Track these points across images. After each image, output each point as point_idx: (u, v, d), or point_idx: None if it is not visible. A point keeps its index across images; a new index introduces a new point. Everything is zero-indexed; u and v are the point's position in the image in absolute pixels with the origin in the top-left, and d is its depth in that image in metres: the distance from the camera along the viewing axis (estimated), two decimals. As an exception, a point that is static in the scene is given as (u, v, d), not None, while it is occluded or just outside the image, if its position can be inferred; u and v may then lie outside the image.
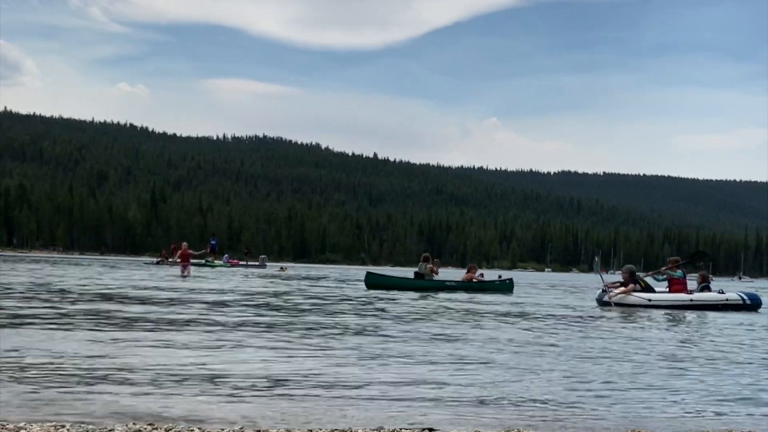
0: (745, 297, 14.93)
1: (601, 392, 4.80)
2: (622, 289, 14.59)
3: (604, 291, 14.74)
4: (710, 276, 16.94)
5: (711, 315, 13.02)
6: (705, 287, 15.24)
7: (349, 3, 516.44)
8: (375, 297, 14.64)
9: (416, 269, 19.62)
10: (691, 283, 15.42)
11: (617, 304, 14.08)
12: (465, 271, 20.80)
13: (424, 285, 18.50)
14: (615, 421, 4.04)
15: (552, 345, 7.20)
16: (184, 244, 27.56)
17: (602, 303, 14.51)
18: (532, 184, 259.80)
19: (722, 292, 15.27)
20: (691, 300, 14.49)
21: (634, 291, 14.48)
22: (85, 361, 5.22)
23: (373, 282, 18.72)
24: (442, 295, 16.22)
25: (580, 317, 11.38)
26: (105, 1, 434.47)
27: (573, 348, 7.02)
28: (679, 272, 15.11)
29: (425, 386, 4.73)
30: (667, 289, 15.07)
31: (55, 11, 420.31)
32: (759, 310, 14.60)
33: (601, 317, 11.64)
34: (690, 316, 12.78)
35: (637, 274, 14.94)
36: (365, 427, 3.65)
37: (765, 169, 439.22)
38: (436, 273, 19.34)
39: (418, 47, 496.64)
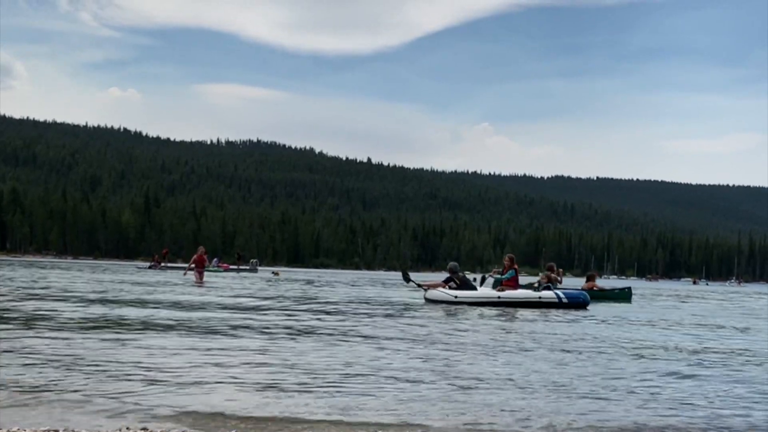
0: (562, 296, 14.96)
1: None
2: (431, 283, 15.84)
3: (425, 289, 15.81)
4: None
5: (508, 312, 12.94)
6: (546, 287, 15.66)
7: (341, 8, 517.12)
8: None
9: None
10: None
11: (428, 300, 15.10)
12: (584, 280, 21.11)
13: None
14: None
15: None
16: (201, 248, 25.19)
17: (425, 299, 15.49)
18: (526, 189, 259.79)
19: (537, 289, 15.63)
20: (499, 297, 14.80)
21: (449, 288, 15.17)
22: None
23: None
24: None
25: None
26: (95, 5, 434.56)
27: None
28: (510, 272, 15.81)
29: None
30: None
31: (44, 15, 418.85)
32: (587, 308, 14.50)
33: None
34: (471, 312, 12.63)
35: (459, 272, 15.57)
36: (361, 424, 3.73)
37: (758, 173, 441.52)
38: (560, 282, 19.59)
39: (410, 52, 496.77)
